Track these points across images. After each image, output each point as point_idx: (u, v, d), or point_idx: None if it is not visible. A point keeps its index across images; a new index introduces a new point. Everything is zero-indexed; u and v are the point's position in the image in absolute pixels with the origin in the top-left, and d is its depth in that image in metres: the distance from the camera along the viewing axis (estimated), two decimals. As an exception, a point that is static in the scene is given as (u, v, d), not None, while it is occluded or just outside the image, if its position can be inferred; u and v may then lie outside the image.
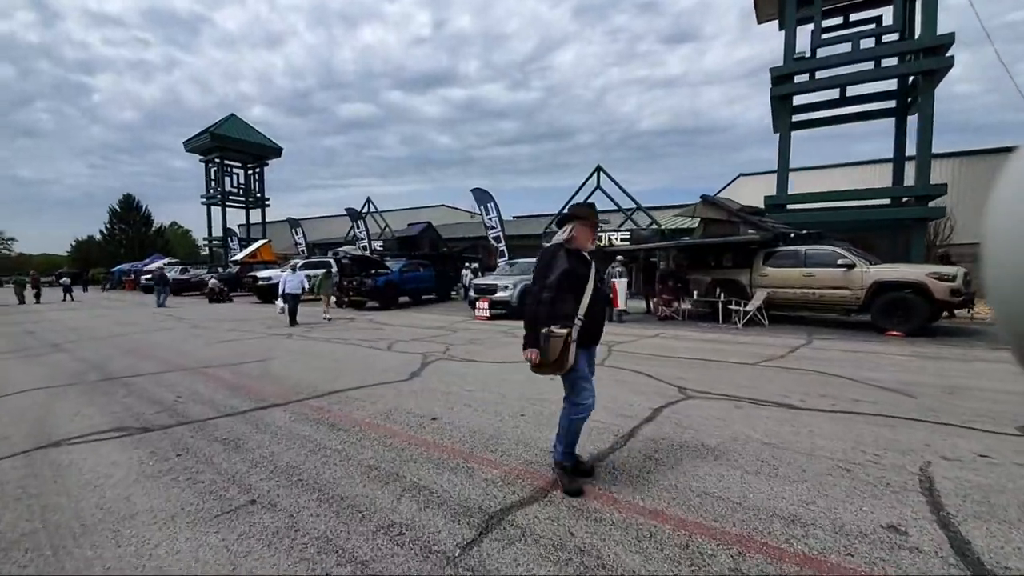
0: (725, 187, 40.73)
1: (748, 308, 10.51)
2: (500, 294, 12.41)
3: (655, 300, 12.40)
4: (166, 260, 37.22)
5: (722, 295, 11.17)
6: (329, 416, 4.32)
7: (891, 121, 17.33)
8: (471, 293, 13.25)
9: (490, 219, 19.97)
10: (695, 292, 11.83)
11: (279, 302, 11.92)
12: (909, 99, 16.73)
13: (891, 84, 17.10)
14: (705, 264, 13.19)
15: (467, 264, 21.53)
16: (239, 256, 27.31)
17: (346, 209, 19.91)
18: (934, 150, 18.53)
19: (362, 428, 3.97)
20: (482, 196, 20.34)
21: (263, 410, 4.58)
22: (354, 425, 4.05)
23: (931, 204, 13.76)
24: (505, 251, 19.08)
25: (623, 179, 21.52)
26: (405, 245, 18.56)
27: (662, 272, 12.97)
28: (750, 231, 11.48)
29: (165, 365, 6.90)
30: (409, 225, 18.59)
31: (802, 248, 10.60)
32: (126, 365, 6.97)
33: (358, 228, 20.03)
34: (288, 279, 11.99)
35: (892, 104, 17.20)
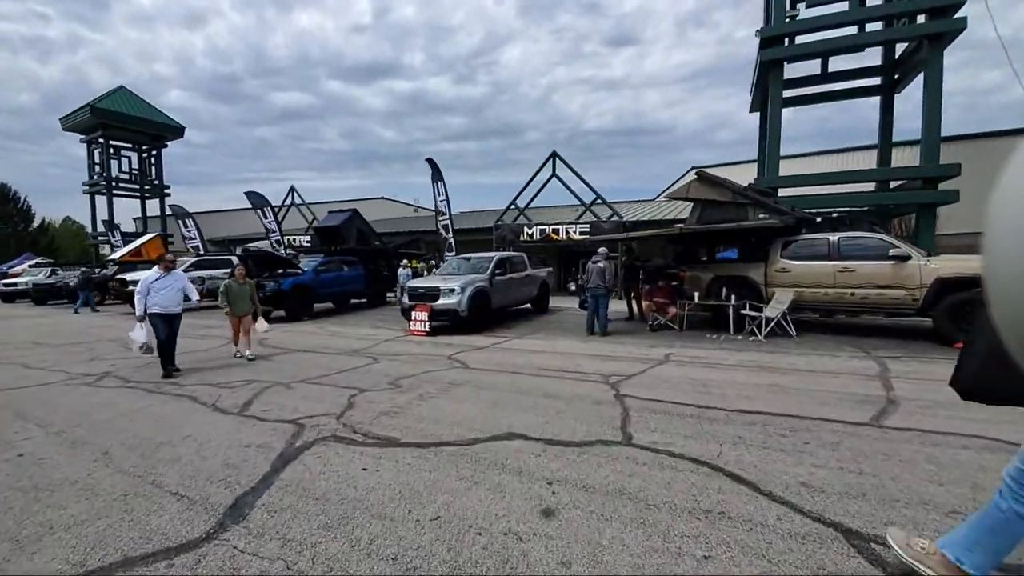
0: (677, 180, 39.69)
1: (769, 314, 8.01)
2: (444, 300, 9.19)
3: (646, 304, 9.67)
4: (35, 260, 30.87)
5: (733, 297, 8.63)
6: None
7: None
8: (404, 299, 9.94)
9: (442, 201, 16.50)
10: (695, 294, 9.23)
11: (136, 333, 6.05)
12: (896, 75, 15.24)
13: (877, 59, 15.56)
14: (696, 257, 10.71)
15: (404, 263, 18.04)
16: (118, 254, 22.05)
17: (247, 193, 15.60)
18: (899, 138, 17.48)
19: None
20: (436, 172, 16.87)
21: None
22: None
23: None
24: (453, 244, 15.81)
25: (572, 177, 19.13)
26: (326, 238, 14.79)
27: (650, 268, 10.30)
28: (761, 215, 9.04)
29: None
30: (330, 213, 14.86)
31: (833, 236, 8.25)
32: None
33: (265, 217, 15.73)
34: (153, 285, 6.14)
35: (877, 81, 15.66)
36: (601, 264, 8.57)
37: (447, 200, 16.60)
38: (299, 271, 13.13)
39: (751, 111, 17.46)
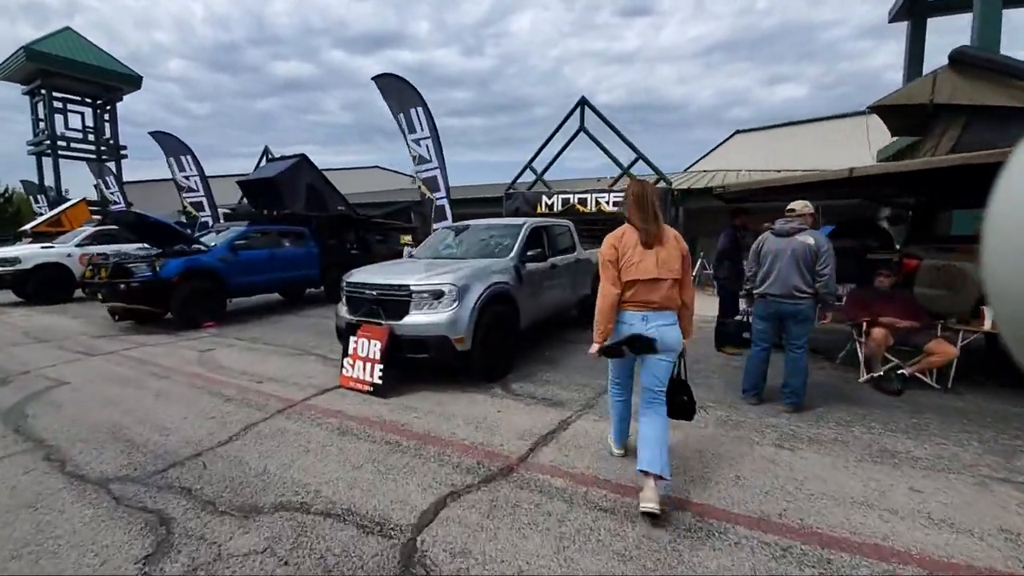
0: (717, 147, 33.93)
1: None
2: (418, 317, 4.16)
3: (876, 334, 4.38)
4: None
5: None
6: None
7: None
8: (342, 310, 4.92)
9: (417, 140, 10.55)
10: (985, 311, 4.10)
11: None
12: None
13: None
14: (929, 231, 5.53)
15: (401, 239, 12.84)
16: (31, 225, 17.35)
17: (153, 134, 10.72)
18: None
19: None
20: (400, 91, 10.18)
21: None
22: None
23: None
24: (448, 209, 10.65)
25: (581, 155, 14.28)
26: (258, 198, 9.75)
27: (862, 249, 5.14)
28: None
29: None
30: (268, 162, 9.81)
31: None
32: None
33: (181, 170, 10.82)
34: None
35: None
36: (806, 240, 3.45)
37: (436, 143, 10.50)
38: (202, 247, 8.12)
39: (891, 20, 11.93)
